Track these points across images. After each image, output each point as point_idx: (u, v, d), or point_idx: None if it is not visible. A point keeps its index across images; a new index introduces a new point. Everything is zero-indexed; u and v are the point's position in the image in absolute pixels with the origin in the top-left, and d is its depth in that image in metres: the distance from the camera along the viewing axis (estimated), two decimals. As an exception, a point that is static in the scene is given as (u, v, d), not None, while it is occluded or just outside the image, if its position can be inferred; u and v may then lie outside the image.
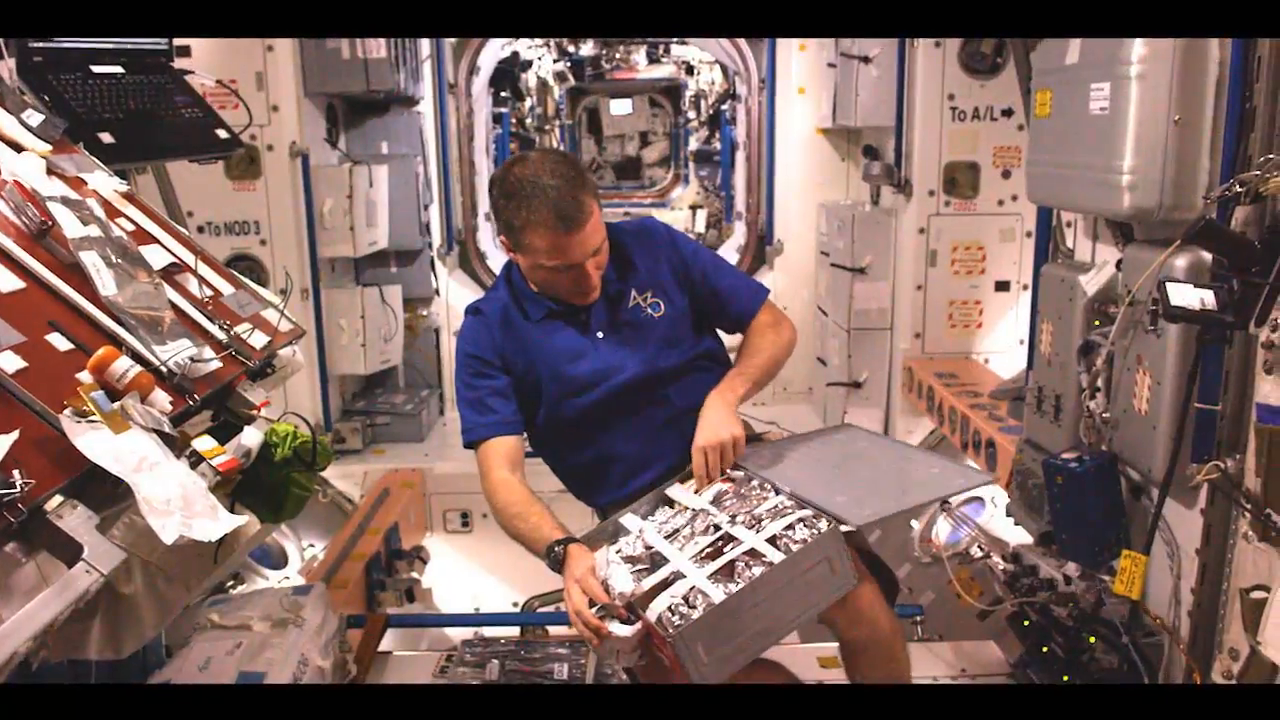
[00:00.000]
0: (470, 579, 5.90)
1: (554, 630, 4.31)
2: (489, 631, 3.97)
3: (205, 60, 4.41)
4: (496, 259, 7.49)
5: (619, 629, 2.18)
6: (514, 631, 4.13)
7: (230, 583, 4.28)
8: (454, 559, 5.93)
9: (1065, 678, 3.09)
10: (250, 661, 2.93)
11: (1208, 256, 2.47)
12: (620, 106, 14.50)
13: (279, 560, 5.05)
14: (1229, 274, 2.31)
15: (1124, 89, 2.66)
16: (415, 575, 5.05)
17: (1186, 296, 2.31)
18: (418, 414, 6.37)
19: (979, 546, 4.17)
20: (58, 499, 1.52)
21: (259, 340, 2.33)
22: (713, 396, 2.57)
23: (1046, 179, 3.17)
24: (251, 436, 2.06)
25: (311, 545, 5.29)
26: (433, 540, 5.86)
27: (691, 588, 2.16)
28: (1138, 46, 2.61)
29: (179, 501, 1.64)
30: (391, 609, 4.59)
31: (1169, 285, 2.35)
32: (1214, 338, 2.46)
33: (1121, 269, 2.91)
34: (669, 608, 2.13)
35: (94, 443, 1.60)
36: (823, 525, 2.23)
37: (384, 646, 3.86)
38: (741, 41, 6.93)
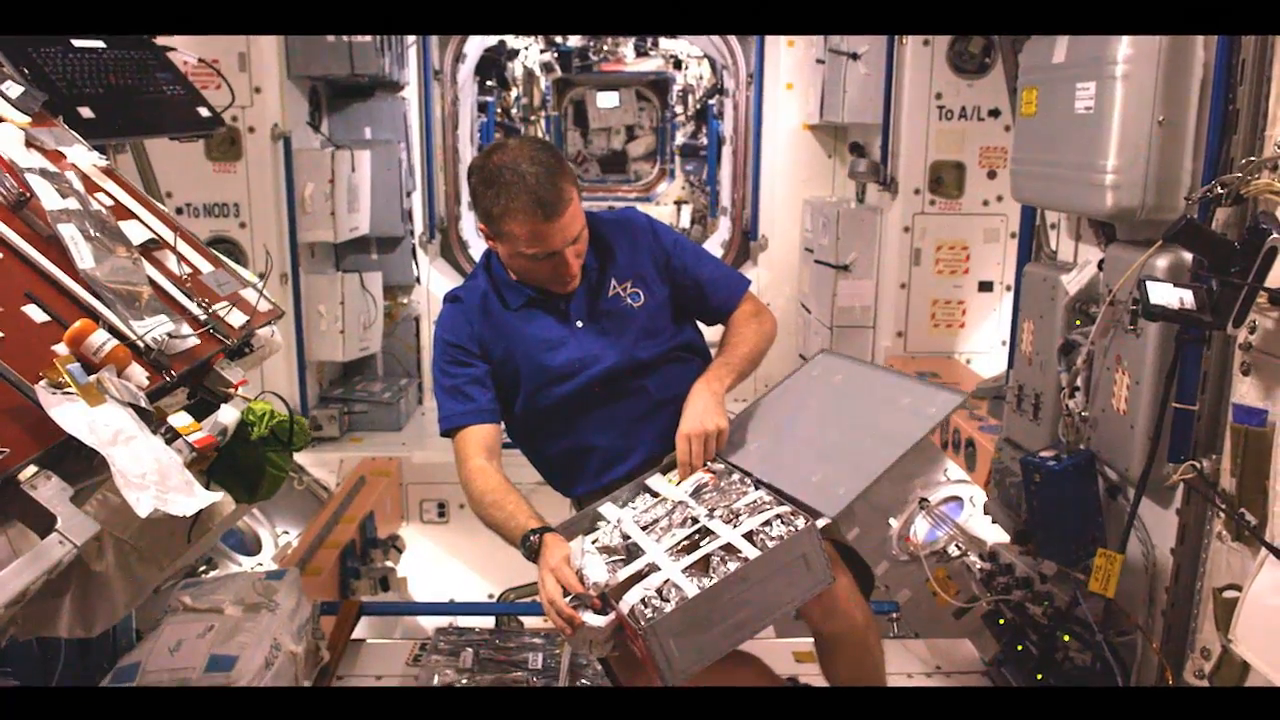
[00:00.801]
0: (445, 570, 5.91)
1: (529, 623, 4.32)
2: (463, 621, 3.98)
3: (187, 39, 4.38)
4: (478, 248, 7.48)
5: (592, 619, 2.18)
6: (489, 623, 4.14)
7: (203, 568, 4.27)
8: (429, 550, 5.94)
9: (1039, 676, 3.13)
10: (222, 645, 2.93)
11: (1188, 257, 2.50)
12: (607, 99, 14.52)
13: (252, 547, 5.04)
14: (1209, 274, 2.34)
15: (1109, 89, 2.69)
16: (390, 564, 5.05)
17: (1166, 295, 2.34)
18: (396, 403, 6.37)
19: (956, 545, 4.21)
20: (31, 469, 1.52)
21: (237, 319, 2.32)
22: (699, 385, 2.58)
23: (1030, 178, 3.21)
24: (228, 414, 2.06)
25: (286, 532, 5.28)
26: (408, 530, 5.87)
27: (665, 581, 2.17)
28: (1124, 47, 2.64)
29: (154, 476, 1.64)
30: (366, 597, 4.59)
31: (1149, 284, 2.38)
32: (1192, 338, 2.50)
33: (1103, 268, 2.95)
34: (641, 600, 2.14)
35: (69, 414, 1.59)
36: (800, 523, 2.24)
37: (357, 635, 3.86)
38: (730, 36, 6.96)
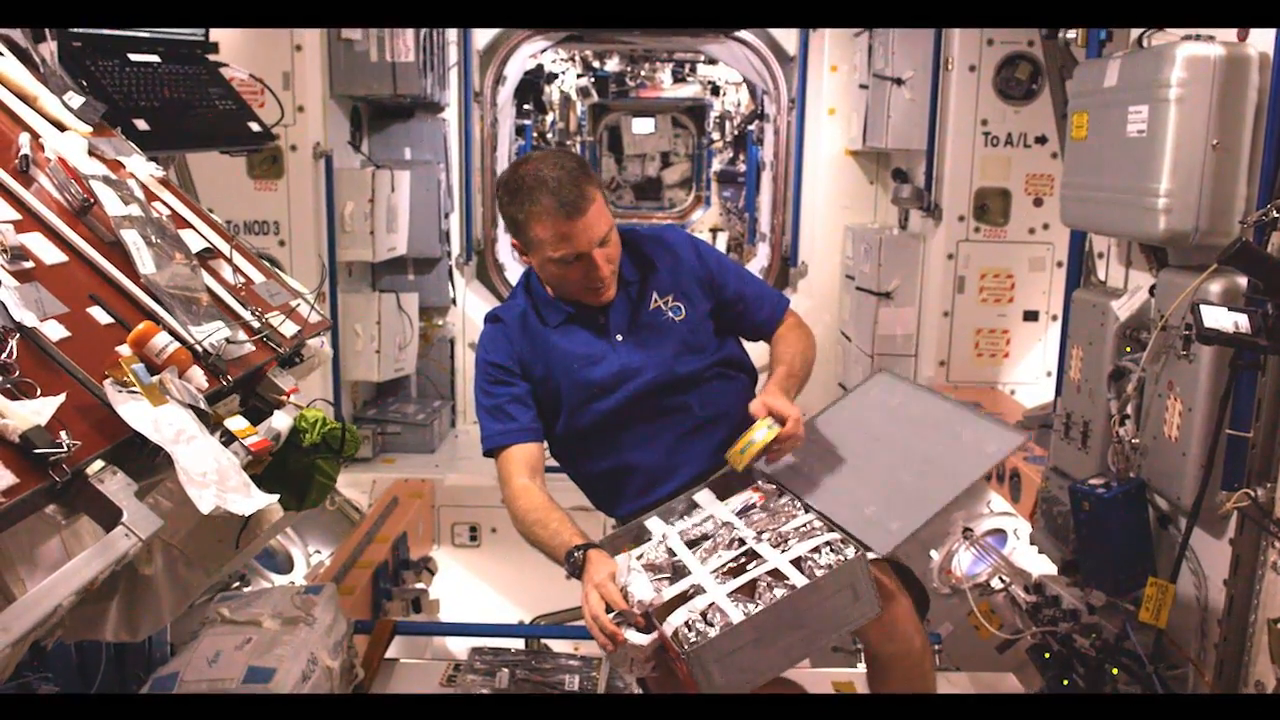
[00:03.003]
0: (477, 594, 5.94)
1: (559, 648, 4.35)
2: (497, 643, 4.01)
3: (232, 58, 4.53)
4: (514, 271, 7.57)
5: (635, 637, 2.20)
6: (522, 645, 4.17)
7: (236, 584, 4.33)
8: (461, 574, 5.98)
9: (1085, 710, 3.12)
10: (260, 657, 2.97)
11: (1243, 281, 2.53)
12: (642, 125, 14.66)
13: (284, 565, 5.10)
14: (1264, 298, 2.37)
15: (1162, 112, 2.73)
16: (422, 586, 5.10)
17: (1220, 319, 2.36)
18: (429, 424, 6.44)
19: (1000, 577, 4.20)
20: (99, 464, 1.59)
21: (289, 329, 2.40)
22: (771, 386, 2.59)
23: (1081, 202, 3.23)
24: (281, 420, 2.13)
25: (318, 552, 5.34)
26: (440, 553, 5.91)
27: (710, 604, 2.18)
28: (1177, 70, 2.68)
29: (214, 475, 1.71)
30: (398, 618, 4.64)
31: (1203, 308, 2.41)
32: (1247, 363, 2.52)
33: (1155, 293, 2.97)
34: (686, 623, 2.16)
35: (135, 412, 1.66)
36: (849, 552, 2.24)
37: (390, 655, 3.91)
38: (772, 60, 7.03)
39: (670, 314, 2.69)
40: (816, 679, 3.61)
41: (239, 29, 5.02)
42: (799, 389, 2.66)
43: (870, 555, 2.27)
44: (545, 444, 2.71)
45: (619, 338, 2.66)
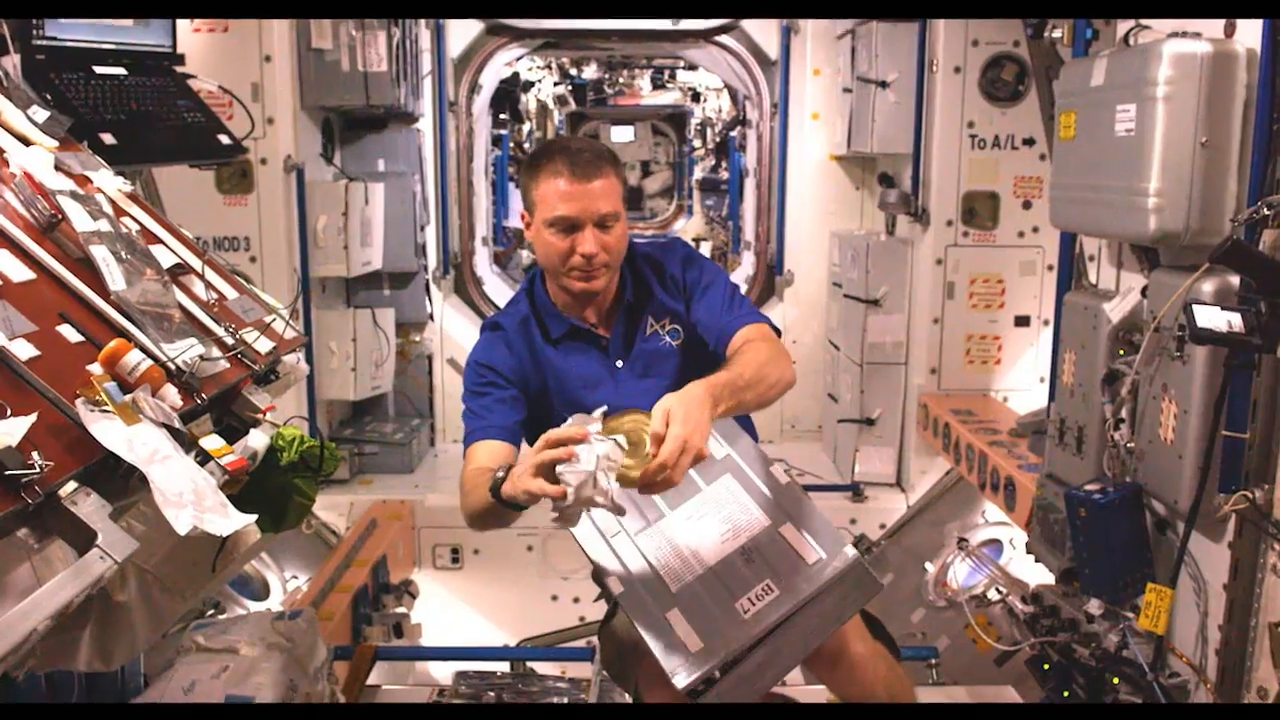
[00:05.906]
0: (460, 618, 5.92)
1: (545, 671, 4.35)
2: (482, 667, 4.01)
3: (200, 70, 4.54)
4: (493, 285, 7.58)
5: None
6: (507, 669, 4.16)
7: (210, 611, 4.31)
8: (443, 597, 5.96)
9: (1086, 721, 3.15)
10: (238, 685, 2.97)
11: (1235, 281, 2.56)
12: (622, 134, 14.70)
13: (260, 591, 5.08)
14: (1257, 297, 2.40)
15: (1150, 110, 2.77)
16: (403, 610, 5.08)
17: (1213, 318, 2.40)
18: (407, 444, 6.41)
19: (997, 589, 4.22)
20: (72, 485, 1.59)
21: (264, 345, 2.40)
22: (693, 387, 2.14)
23: (1070, 203, 3.27)
24: (257, 439, 2.13)
25: (295, 577, 5.32)
26: (421, 576, 5.89)
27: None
28: (1165, 67, 2.72)
29: (191, 495, 1.71)
30: (379, 644, 4.62)
31: (1196, 308, 2.44)
32: (1241, 363, 2.55)
33: (1147, 295, 3.00)
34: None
35: (108, 431, 1.66)
36: (848, 550, 2.17)
37: (371, 682, 3.90)
38: (753, 64, 7.07)
39: (668, 339, 2.68)
40: (813, 695, 3.63)
41: (208, 40, 5.05)
42: (738, 404, 2.22)
43: (849, 551, 2.19)
44: (519, 447, 2.61)
45: (619, 364, 2.67)
